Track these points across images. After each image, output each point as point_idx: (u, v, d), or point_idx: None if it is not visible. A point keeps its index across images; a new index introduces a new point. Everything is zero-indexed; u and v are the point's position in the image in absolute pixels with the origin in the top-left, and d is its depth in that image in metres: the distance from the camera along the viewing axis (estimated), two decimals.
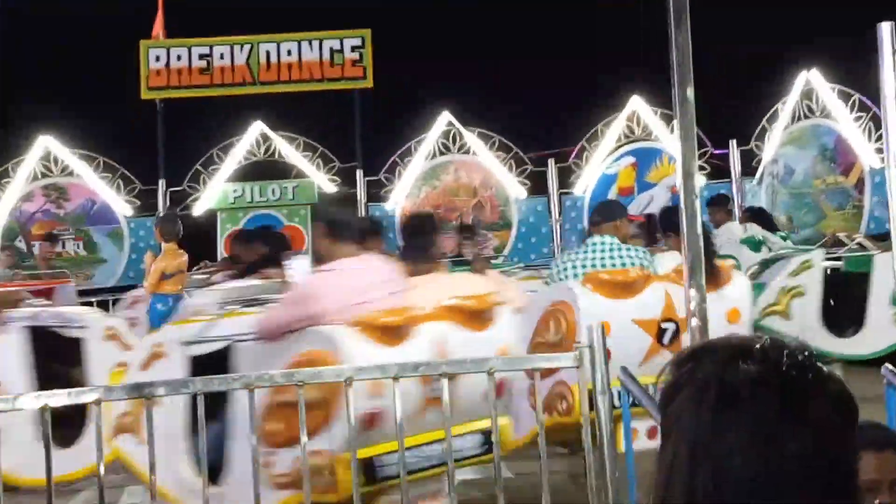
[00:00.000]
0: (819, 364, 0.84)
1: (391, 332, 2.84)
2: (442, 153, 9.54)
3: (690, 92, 2.69)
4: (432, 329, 2.95)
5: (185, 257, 6.44)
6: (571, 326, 3.43)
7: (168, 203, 9.06)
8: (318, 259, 3.25)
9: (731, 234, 6.72)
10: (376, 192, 9.43)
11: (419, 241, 3.72)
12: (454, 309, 3.04)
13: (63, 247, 9.07)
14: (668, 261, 3.88)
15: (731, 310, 3.66)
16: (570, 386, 3.24)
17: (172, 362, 3.26)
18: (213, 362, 3.13)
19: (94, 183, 9.15)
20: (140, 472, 3.11)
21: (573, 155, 9.70)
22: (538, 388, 2.66)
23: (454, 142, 9.52)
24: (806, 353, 0.84)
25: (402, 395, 2.41)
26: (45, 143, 9.09)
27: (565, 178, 9.58)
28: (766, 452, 0.80)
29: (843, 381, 0.85)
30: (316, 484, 2.63)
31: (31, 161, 9.07)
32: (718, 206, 7.11)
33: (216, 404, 2.85)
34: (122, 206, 9.16)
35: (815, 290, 5.63)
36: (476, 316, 3.08)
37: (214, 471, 2.92)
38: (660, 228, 4.73)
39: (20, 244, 9.07)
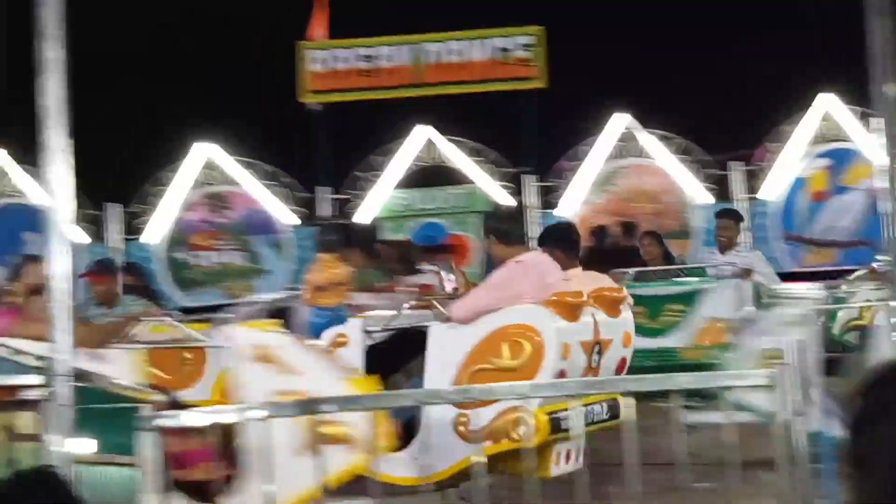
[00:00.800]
0: None
1: (570, 310, 3.64)
2: (619, 156, 8.82)
3: (893, 88, 2.56)
4: (589, 311, 3.75)
5: (345, 269, 5.92)
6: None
7: (336, 211, 8.54)
8: (493, 263, 4.02)
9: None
10: (549, 199, 8.75)
11: (569, 244, 4.35)
12: (601, 297, 3.88)
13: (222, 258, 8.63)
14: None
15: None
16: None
17: (353, 350, 3.79)
18: (389, 350, 3.85)
19: (256, 191, 8.67)
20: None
21: (757, 157, 8.89)
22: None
23: (632, 144, 8.80)
24: None
25: (574, 363, 3.59)
26: (204, 150, 8.65)
27: (754, 183, 8.77)
28: None
29: None
30: (513, 434, 3.49)
31: (191, 170, 8.64)
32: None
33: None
34: (286, 214, 8.67)
35: None
36: (613, 304, 3.93)
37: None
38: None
39: (180, 254, 8.66)
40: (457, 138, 8.80)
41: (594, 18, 9.57)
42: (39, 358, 2.82)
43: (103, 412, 2.99)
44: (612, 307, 3.95)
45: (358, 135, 9.09)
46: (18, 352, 3.17)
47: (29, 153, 7.79)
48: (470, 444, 3.46)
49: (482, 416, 3.46)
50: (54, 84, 2.23)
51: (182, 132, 8.68)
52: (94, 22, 6.93)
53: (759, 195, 8.87)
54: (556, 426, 3.65)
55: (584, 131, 8.88)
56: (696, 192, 8.78)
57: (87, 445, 2.73)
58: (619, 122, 8.78)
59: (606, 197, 8.80)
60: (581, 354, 3.67)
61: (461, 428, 3.57)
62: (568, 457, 3.88)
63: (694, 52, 9.48)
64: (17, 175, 8.61)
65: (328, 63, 8.74)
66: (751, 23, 9.55)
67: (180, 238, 8.67)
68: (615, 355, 3.93)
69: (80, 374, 2.61)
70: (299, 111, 8.99)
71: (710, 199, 8.73)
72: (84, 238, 8.48)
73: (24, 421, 2.82)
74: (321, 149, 8.93)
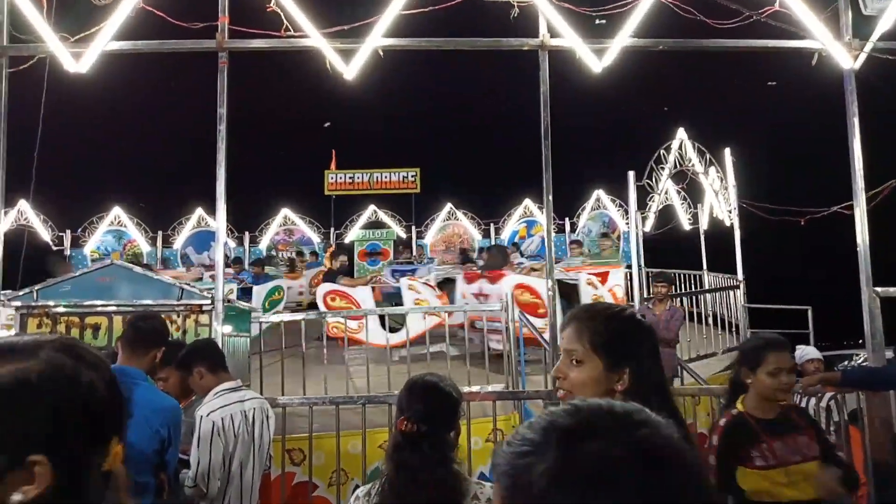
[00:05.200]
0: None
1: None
2: (447, 220, 20.77)
3: (550, 197, 5.30)
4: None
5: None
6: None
7: (334, 238, 19.90)
8: None
9: None
10: (420, 235, 20.53)
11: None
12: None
13: (292, 254, 19.76)
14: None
15: None
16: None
17: None
18: None
19: (304, 228, 19.92)
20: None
21: (501, 221, 21.08)
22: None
23: (452, 215, 20.77)
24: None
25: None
26: (285, 212, 19.83)
27: (498, 231, 20.93)
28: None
29: None
30: None
31: (278, 219, 19.78)
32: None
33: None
34: (315, 238, 19.96)
35: None
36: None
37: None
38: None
39: (273, 252, 19.72)
40: (386, 210, 20.43)
41: (441, 165, 21.61)
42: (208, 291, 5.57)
43: (235, 314, 5.98)
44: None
45: (346, 207, 20.54)
46: (200, 289, 5.78)
47: (213, 209, 18.82)
48: None
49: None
50: (220, 188, 5.05)
51: (276, 202, 19.83)
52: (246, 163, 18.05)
53: (501, 237, 20.99)
54: None
55: (434, 209, 20.74)
56: (476, 235, 20.81)
57: (227, 328, 5.25)
58: (448, 206, 20.68)
59: (441, 235, 20.65)
60: None
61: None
62: None
63: (477, 180, 21.78)
64: (208, 218, 19.36)
65: (336, 178, 20.10)
66: (499, 167, 21.97)
67: (272, 246, 19.74)
68: None
69: (226, 298, 5.15)
70: (325, 198, 20.30)
71: (480, 237, 20.78)
72: (233, 244, 19.37)
73: (203, 318, 5.38)
74: (332, 212, 20.29)
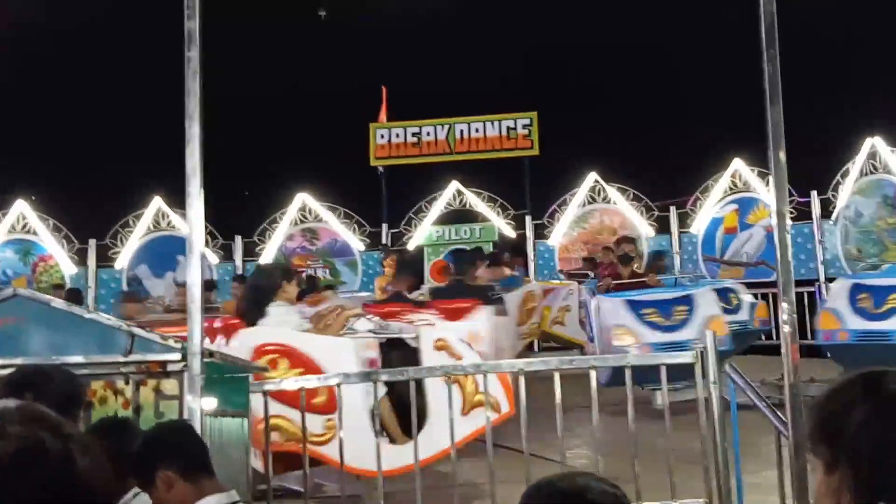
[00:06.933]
0: None
1: None
2: (589, 203, 20.74)
3: (783, 155, 5.25)
4: None
5: None
6: None
7: (390, 241, 20.27)
8: None
9: None
10: (541, 232, 20.60)
11: None
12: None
13: (315, 273, 20.30)
14: None
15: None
16: None
17: None
18: None
19: (337, 226, 20.44)
20: None
21: (690, 203, 20.83)
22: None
23: (599, 194, 20.73)
24: None
25: None
26: (302, 198, 20.42)
27: (683, 221, 20.69)
28: None
29: None
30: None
31: (291, 212, 20.39)
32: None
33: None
34: (356, 243, 20.44)
35: None
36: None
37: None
38: None
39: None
40: (477, 190, 20.66)
41: (574, 105, 21.66)
42: (178, 340, 5.39)
43: (223, 378, 5.82)
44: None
45: (409, 187, 20.90)
46: (164, 336, 5.55)
47: (180, 199, 19.43)
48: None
49: None
50: (192, 158, 5.07)
51: (286, 184, 20.48)
52: (225, 120, 18.70)
53: (690, 230, 20.75)
54: None
55: (566, 185, 20.77)
56: (643, 228, 20.67)
57: (211, 403, 5.35)
58: (591, 178, 20.66)
59: (580, 231, 20.66)
60: None
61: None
62: None
63: (643, 129, 21.65)
64: (172, 215, 20.18)
65: (389, 138, 20.53)
66: (684, 106, 21.75)
67: (284, 259, 20.36)
68: None
69: (208, 352, 5.32)
70: (370, 172, 20.72)
71: (652, 232, 20.62)
72: (214, 259, 20.10)
73: (169, 385, 5.39)
74: (384, 197, 20.71)
